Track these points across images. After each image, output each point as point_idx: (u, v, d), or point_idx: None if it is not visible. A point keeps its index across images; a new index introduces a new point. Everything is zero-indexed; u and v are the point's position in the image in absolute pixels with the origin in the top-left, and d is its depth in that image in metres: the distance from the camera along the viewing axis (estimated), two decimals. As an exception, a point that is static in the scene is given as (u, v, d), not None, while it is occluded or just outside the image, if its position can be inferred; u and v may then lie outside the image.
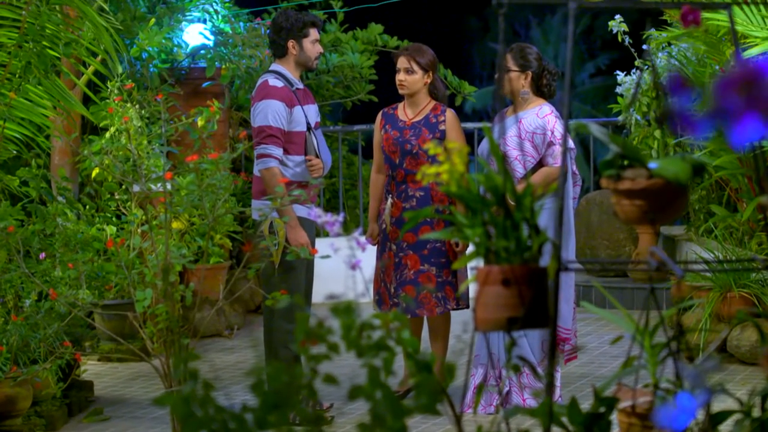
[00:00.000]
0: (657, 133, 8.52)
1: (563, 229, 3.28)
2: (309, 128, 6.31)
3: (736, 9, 7.15)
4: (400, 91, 6.70)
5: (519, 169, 6.28)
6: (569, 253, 6.32)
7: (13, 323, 6.06)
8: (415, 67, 6.66)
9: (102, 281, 6.55)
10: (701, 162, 3.29)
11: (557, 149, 6.36)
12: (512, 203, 3.13)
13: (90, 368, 7.42)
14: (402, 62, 6.68)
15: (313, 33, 6.40)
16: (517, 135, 6.35)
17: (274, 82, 6.28)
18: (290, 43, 6.36)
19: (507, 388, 6.27)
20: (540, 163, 6.43)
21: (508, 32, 25.22)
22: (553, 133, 6.35)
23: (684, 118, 1.63)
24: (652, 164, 3.22)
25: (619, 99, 8.82)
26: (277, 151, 6.16)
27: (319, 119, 6.54)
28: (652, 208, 3.24)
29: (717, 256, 7.40)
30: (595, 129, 3.40)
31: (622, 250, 9.30)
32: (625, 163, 3.28)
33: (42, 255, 6.30)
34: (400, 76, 6.68)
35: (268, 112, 6.17)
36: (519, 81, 6.47)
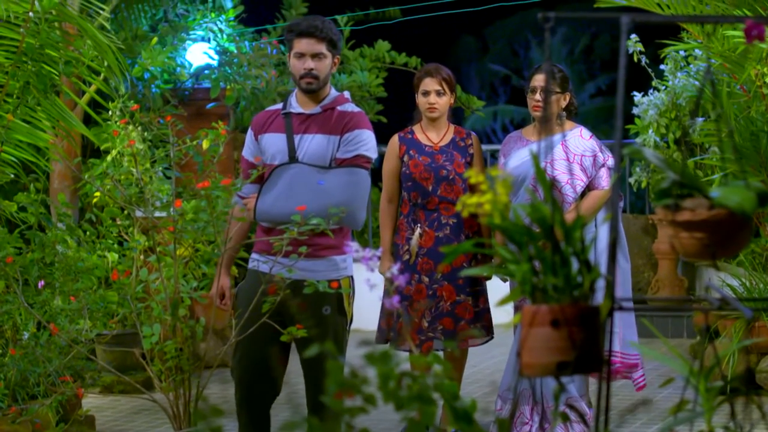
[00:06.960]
0: (676, 155, 8.26)
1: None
2: (293, 161, 5.07)
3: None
4: (431, 115, 6.39)
5: (570, 194, 6.02)
6: (625, 288, 6.07)
7: (11, 357, 5.77)
8: (446, 88, 6.39)
9: (104, 311, 6.24)
10: (766, 191, 3.02)
11: (604, 171, 6.13)
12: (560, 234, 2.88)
13: (91, 401, 7.11)
14: (433, 84, 6.36)
15: (296, 44, 5.10)
16: (564, 158, 6.07)
17: (274, 105, 5.53)
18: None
19: (536, 425, 5.94)
20: (588, 187, 6.17)
21: (507, 53, 25.02)
22: (602, 153, 6.12)
23: None
24: (714, 193, 2.95)
25: (637, 120, 8.56)
26: (245, 186, 5.08)
27: (334, 155, 5.09)
28: (713, 241, 2.96)
29: (744, 284, 7.13)
30: (649, 154, 3.13)
31: (641, 276, 9.03)
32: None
33: (41, 284, 6.01)
34: (431, 99, 6.37)
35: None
36: (559, 102, 6.21)
